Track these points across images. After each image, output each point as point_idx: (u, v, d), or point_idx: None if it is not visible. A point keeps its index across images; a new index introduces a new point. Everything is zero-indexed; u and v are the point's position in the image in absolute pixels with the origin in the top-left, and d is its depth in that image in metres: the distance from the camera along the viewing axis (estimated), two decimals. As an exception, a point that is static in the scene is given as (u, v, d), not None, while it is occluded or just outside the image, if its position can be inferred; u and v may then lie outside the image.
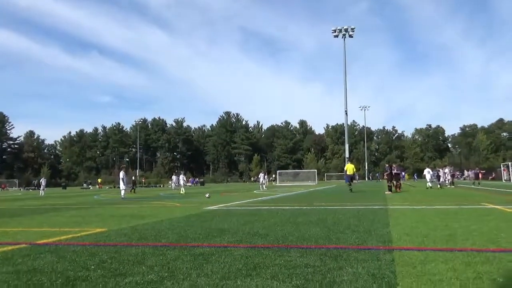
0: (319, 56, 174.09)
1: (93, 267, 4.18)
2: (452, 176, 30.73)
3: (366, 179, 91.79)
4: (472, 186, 29.13)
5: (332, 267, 3.97)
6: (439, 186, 27.66)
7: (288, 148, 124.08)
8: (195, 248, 5.19)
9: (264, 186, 35.15)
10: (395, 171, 22.92)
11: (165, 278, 3.68)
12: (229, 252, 4.86)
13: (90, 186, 73.85)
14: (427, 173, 28.24)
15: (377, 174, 78.51)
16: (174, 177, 41.01)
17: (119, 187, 23.99)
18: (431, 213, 9.37)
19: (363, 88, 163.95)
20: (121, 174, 22.35)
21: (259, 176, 36.62)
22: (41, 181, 38.72)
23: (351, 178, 24.25)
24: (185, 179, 32.29)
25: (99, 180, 73.38)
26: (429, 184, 26.84)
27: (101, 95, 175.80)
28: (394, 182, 22.30)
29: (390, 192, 20.80)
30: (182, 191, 28.94)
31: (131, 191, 33.02)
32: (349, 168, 24.52)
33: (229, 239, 5.89)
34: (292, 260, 4.31)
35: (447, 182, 30.32)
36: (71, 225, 8.43)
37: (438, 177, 28.61)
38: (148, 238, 6.20)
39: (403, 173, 32.35)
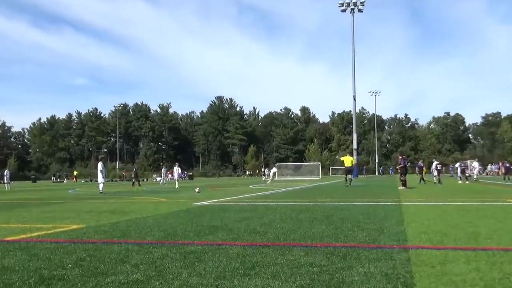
0: (324, 33, 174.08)
1: (70, 265, 4.20)
2: (463, 171, 31.70)
3: (377, 173, 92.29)
4: (502, 182, 29.38)
5: (340, 266, 4.01)
6: (436, 181, 28.87)
7: (288, 138, 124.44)
8: (185, 246, 5.23)
9: (269, 180, 35.91)
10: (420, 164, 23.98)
11: (152, 278, 3.70)
12: (223, 250, 4.90)
13: (59, 179, 73.78)
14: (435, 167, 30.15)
15: (390, 168, 79.02)
16: (163, 170, 40.90)
17: (96, 181, 23.99)
18: (451, 210, 9.50)
19: (373, 70, 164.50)
20: (100, 165, 22.35)
21: (272, 170, 37.96)
22: (5, 173, 38.23)
23: (349, 171, 25.47)
24: (179, 171, 32.12)
25: (75, 173, 73.33)
26: (435, 178, 29.00)
27: (75, 76, 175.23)
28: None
29: (404, 187, 20.95)
30: (176, 185, 28.81)
31: (133, 184, 33.48)
32: (347, 160, 25.63)
33: (224, 236, 5.94)
34: (296, 259, 4.36)
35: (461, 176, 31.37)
36: (43, 221, 8.45)
37: (438, 171, 29.88)
38: (132, 235, 6.23)
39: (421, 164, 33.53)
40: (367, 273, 3.76)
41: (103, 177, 21.94)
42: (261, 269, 3.95)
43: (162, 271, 3.91)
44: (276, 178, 39.18)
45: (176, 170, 31.02)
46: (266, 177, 35.98)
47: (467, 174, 31.80)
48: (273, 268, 3.98)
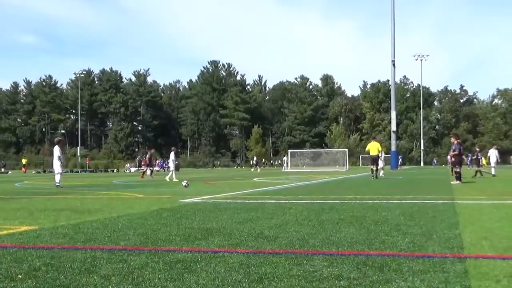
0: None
1: (20, 276, 4.25)
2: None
3: (422, 163, 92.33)
4: None
5: (376, 279, 4.04)
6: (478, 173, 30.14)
7: (305, 117, 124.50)
8: (170, 253, 5.28)
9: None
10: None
11: (128, 292, 3.74)
12: (221, 259, 4.94)
13: (4, 168, 74.30)
14: (493, 154, 32.03)
15: (469, 157, 78.40)
16: (148, 154, 41.26)
17: (51, 171, 24.14)
18: (521, 210, 9.54)
19: (419, 28, 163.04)
20: (56, 150, 22.38)
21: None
22: None
23: (374, 160, 27.06)
24: (173, 158, 32.50)
25: (24, 161, 73.77)
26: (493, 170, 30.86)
27: (22, 33, 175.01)
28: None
29: (459, 181, 20.93)
30: (172, 177, 28.83)
31: (143, 174, 34.62)
32: (373, 147, 27.20)
33: (221, 242, 5.99)
34: (317, 270, 4.39)
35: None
36: (-17, 221, 8.52)
37: (477, 161, 31.64)
38: (99, 239, 6.30)
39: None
40: (411, 288, 3.79)
41: (60, 166, 22.01)
42: (271, 282, 3.98)
43: (141, 284, 3.95)
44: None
45: (173, 157, 31.49)
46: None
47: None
48: (287, 281, 4.00)
